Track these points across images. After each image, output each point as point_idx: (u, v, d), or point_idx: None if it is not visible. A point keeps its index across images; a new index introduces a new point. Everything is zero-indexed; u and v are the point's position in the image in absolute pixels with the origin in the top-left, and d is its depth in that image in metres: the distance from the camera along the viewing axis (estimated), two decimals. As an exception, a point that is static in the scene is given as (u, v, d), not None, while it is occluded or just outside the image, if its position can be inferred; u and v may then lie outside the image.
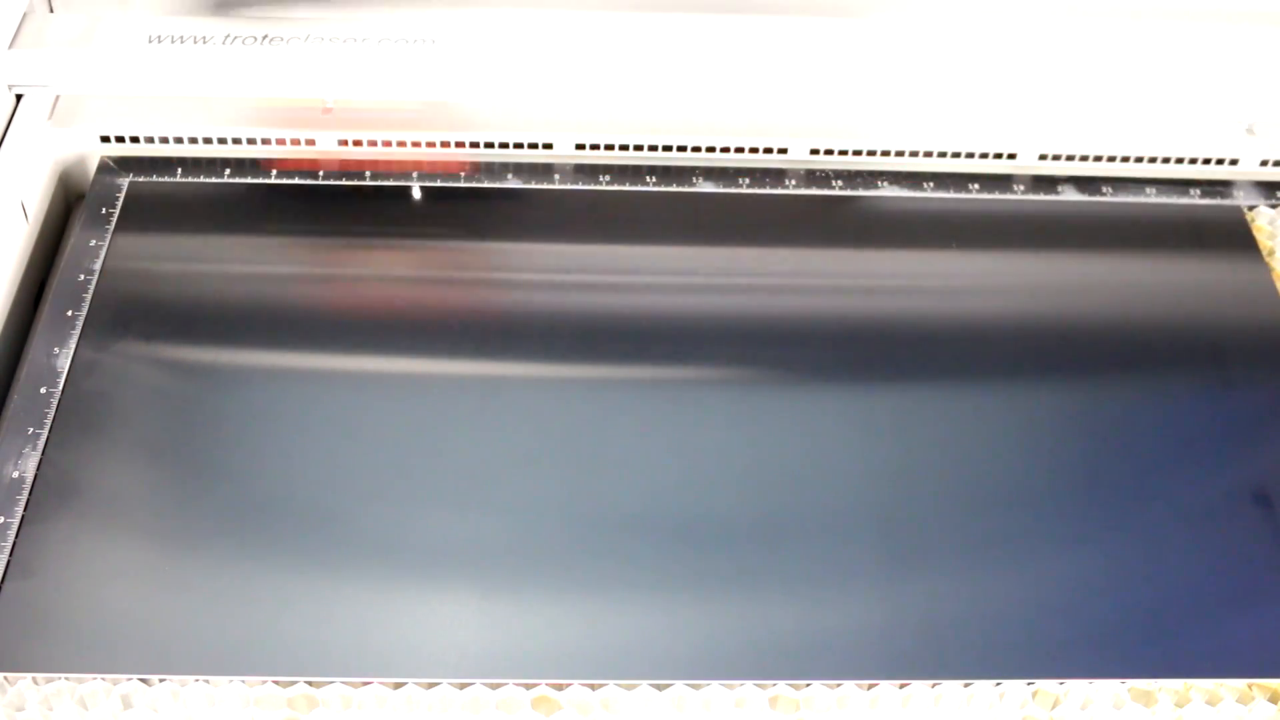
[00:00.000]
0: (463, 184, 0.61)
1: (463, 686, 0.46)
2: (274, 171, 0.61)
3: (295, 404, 0.53)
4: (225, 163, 0.62)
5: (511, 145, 0.62)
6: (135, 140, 0.61)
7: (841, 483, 0.51)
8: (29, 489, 0.49)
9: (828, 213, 0.61)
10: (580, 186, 0.61)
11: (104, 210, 0.60)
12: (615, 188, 0.62)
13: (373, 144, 0.61)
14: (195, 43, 0.59)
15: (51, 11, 0.63)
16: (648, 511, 0.50)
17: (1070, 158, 0.63)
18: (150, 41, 0.60)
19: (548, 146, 0.62)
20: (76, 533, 0.48)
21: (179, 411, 0.52)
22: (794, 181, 0.62)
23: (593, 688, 0.46)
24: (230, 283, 0.57)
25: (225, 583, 0.47)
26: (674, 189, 0.62)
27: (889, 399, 0.54)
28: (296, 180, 0.61)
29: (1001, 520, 0.50)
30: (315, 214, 0.60)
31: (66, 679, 0.45)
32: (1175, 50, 0.65)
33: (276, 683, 0.45)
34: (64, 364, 0.53)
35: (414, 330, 0.56)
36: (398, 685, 0.46)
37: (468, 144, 0.62)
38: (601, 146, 0.62)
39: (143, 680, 0.45)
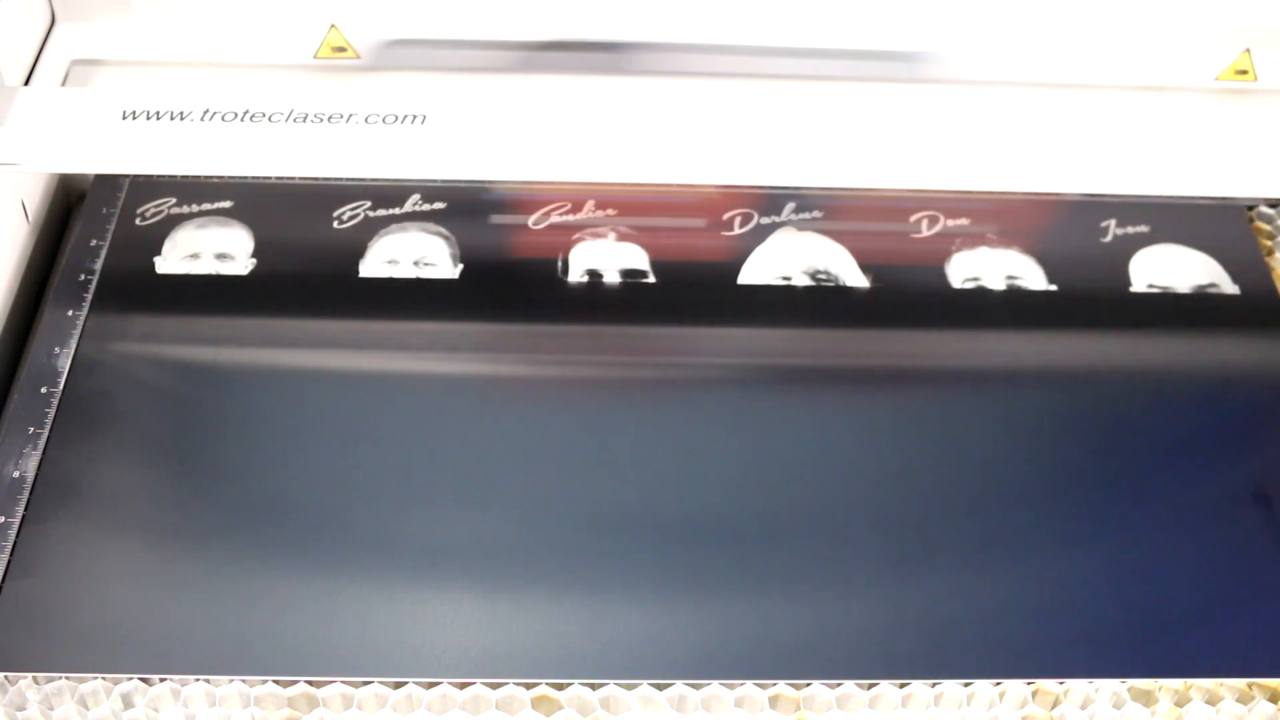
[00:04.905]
0: (463, 183, 0.62)
1: (463, 686, 0.46)
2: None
3: (296, 404, 0.53)
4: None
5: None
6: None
7: (842, 483, 0.51)
8: (29, 488, 0.49)
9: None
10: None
11: (104, 210, 0.60)
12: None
13: None
14: (172, 118, 0.57)
15: (27, 84, 0.62)
16: (648, 511, 0.50)
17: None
18: (124, 117, 0.56)
19: None
20: (76, 533, 0.48)
21: (179, 411, 0.52)
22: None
23: (593, 688, 0.46)
24: (230, 283, 0.57)
25: (225, 582, 0.47)
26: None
27: (889, 399, 0.54)
28: (297, 181, 0.61)
29: (1001, 520, 0.50)
30: (316, 214, 0.60)
31: (67, 679, 0.45)
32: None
33: (277, 682, 0.45)
34: (64, 364, 0.53)
35: (413, 330, 0.56)
36: (398, 685, 0.46)
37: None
38: None
39: (143, 680, 0.45)
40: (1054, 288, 0.59)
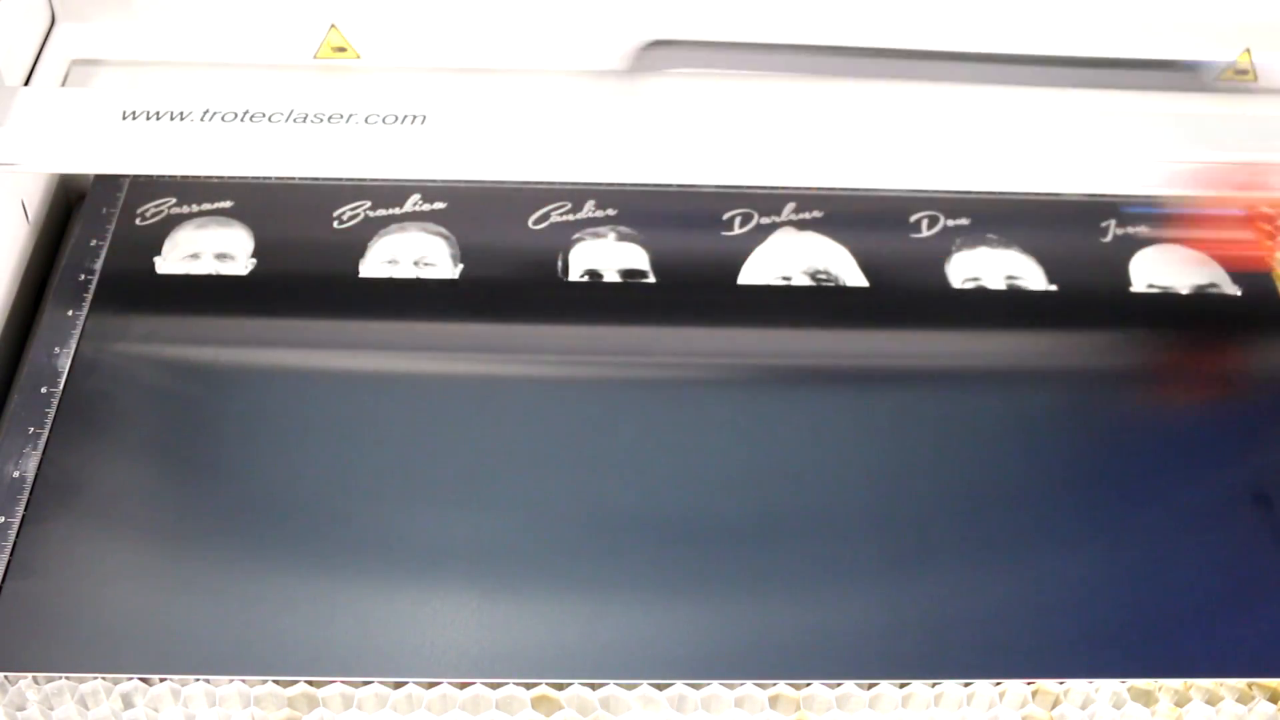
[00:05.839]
0: (463, 183, 0.62)
1: (463, 686, 0.46)
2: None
3: (296, 404, 0.53)
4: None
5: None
6: (135, 140, 0.61)
7: (841, 483, 0.51)
8: (29, 489, 0.49)
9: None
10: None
11: (104, 210, 0.60)
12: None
13: None
14: (172, 119, 0.57)
15: (27, 84, 0.62)
16: (648, 511, 0.50)
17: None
18: (124, 117, 0.56)
19: None
20: (76, 533, 0.48)
21: (179, 411, 0.52)
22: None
23: (593, 687, 0.46)
24: (230, 283, 0.57)
25: (225, 582, 0.47)
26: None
27: (889, 399, 0.54)
28: (297, 181, 0.61)
29: (1001, 520, 0.50)
30: (316, 214, 0.60)
31: (67, 679, 0.45)
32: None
33: (277, 682, 0.45)
34: (65, 364, 0.53)
35: (413, 330, 0.56)
36: (398, 685, 0.46)
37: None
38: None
39: (143, 680, 0.45)
40: (1054, 288, 0.59)
